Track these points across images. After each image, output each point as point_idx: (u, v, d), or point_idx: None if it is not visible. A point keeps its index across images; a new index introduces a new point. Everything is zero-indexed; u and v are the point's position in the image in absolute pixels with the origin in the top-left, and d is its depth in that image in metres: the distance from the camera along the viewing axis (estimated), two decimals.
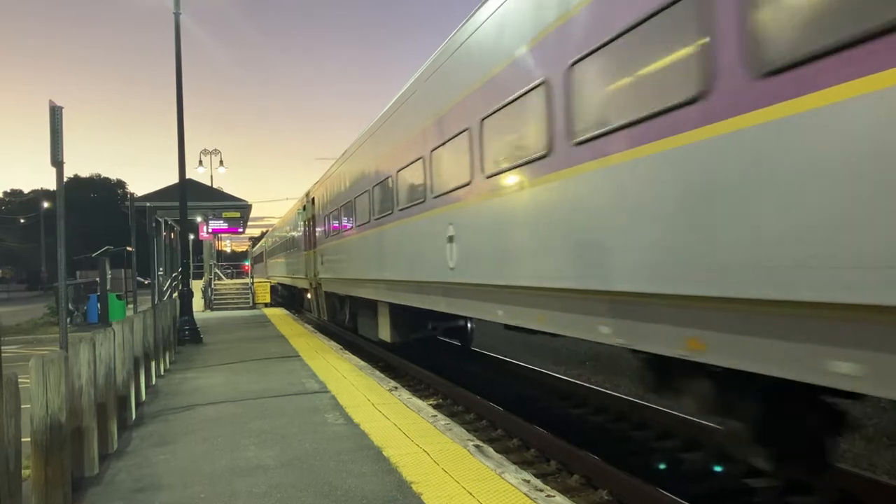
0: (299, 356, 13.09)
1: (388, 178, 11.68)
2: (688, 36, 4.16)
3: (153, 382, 10.48)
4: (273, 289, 36.42)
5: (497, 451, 6.30)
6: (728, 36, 3.82)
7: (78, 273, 33.15)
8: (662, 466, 6.95)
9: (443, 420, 7.40)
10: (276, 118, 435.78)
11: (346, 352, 13.67)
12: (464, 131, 7.90)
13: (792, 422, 4.53)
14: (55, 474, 4.77)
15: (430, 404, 9.63)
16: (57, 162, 8.14)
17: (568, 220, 5.63)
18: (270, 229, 43.89)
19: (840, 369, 3.20)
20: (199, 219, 28.40)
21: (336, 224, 17.34)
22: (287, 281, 31.82)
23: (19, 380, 4.18)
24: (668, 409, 8.07)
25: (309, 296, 23.85)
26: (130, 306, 24.23)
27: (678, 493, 5.70)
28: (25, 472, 4.73)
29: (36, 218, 73.34)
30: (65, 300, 8.86)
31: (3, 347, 5.54)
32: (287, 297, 36.36)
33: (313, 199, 21.54)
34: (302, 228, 23.91)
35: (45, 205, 69.74)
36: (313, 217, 21.48)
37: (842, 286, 3.14)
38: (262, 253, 52.04)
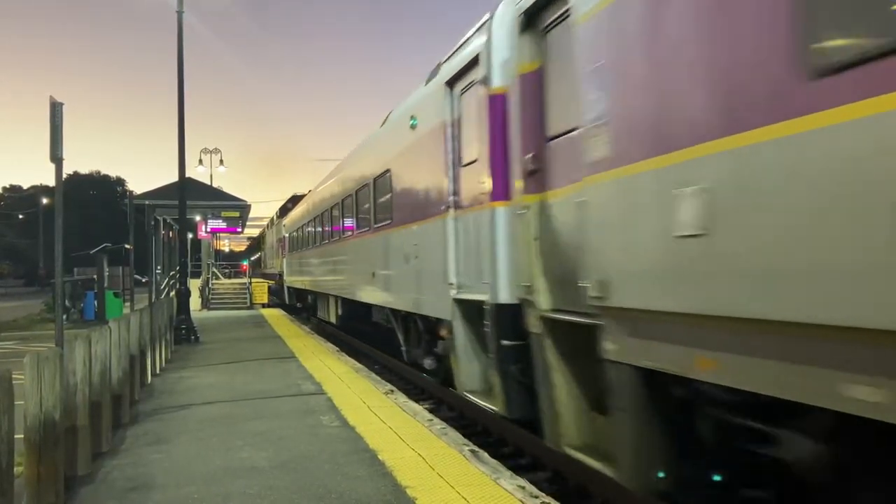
0: (295, 357, 13.06)
1: None
2: None
3: (149, 381, 10.45)
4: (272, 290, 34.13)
5: (492, 457, 6.28)
6: None
7: (76, 270, 33.04)
8: (661, 475, 6.89)
9: (438, 424, 7.38)
10: (279, 118, 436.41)
11: (343, 354, 13.64)
12: None
13: None
14: (48, 472, 4.75)
15: (426, 408, 9.59)
16: (56, 158, 8.12)
17: None
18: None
19: None
20: (197, 218, 28.38)
21: None
22: None
23: (14, 376, 4.16)
24: None
25: None
26: (127, 304, 24.18)
27: (674, 503, 5.66)
28: (18, 470, 4.71)
29: (35, 214, 73.18)
30: (61, 297, 8.84)
31: None
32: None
33: None
34: None
35: (45, 201, 69.54)
36: None
37: None
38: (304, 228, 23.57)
